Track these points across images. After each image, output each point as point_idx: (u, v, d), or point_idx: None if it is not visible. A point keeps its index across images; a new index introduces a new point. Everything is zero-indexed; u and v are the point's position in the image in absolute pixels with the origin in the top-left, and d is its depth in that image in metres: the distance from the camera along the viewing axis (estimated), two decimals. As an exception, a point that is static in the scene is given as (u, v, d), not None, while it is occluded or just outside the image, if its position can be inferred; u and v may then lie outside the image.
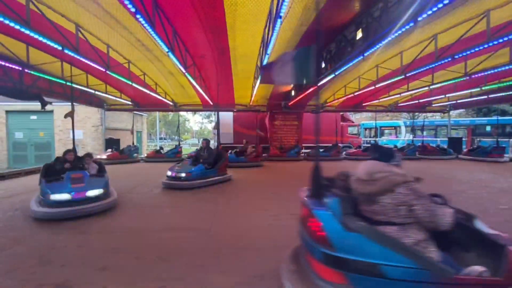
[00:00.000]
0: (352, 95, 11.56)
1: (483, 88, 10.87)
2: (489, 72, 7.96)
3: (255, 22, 5.78)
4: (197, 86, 9.27)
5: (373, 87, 10.14)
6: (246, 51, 7.46)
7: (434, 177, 7.88)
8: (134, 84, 8.95)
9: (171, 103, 13.34)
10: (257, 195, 5.76)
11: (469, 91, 11.65)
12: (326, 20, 5.88)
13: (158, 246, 3.02)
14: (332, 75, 7.87)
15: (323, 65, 8.14)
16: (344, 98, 12.39)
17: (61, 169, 4.69)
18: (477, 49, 5.90)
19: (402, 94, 11.89)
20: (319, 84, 9.01)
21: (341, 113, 17.46)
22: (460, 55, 6.43)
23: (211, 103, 13.02)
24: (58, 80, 8.62)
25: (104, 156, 11.79)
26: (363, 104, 14.94)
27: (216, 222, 3.88)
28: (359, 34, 5.88)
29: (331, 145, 14.14)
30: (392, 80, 9.00)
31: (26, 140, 14.23)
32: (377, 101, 13.82)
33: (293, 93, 12.25)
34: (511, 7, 4.98)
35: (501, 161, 11.59)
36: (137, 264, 2.61)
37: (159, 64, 8.59)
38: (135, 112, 16.49)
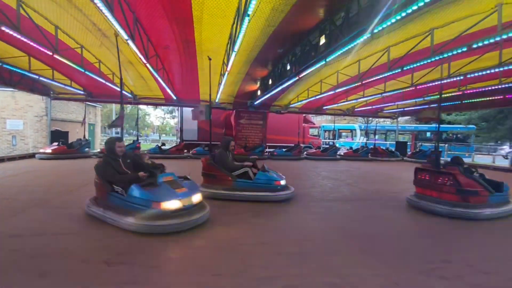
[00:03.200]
0: (314, 98, 12.10)
1: (426, 98, 12.26)
2: (431, 84, 8.99)
3: (223, 17, 5.70)
4: (160, 79, 8.83)
5: (333, 92, 10.74)
6: (213, 46, 7.32)
7: (384, 177, 8.64)
8: (87, 72, 8.18)
9: (129, 95, 12.50)
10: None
11: (415, 100, 13.05)
12: (293, 24, 6.05)
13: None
14: (296, 78, 8.12)
15: (288, 67, 8.37)
16: (307, 100, 12.90)
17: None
18: (422, 62, 6.62)
19: (358, 100, 12.83)
20: (284, 86, 9.30)
21: (304, 115, 18.17)
22: (408, 67, 7.14)
23: (174, 98, 12.52)
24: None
25: (48, 150, 10.57)
26: (324, 108, 15.75)
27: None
28: (323, 40, 6.16)
29: (293, 145, 14.64)
30: (350, 86, 9.64)
31: None
32: (336, 105, 14.68)
33: (259, 92, 12.38)
34: (452, 27, 5.67)
35: (437, 164, 13.19)
36: (84, 268, 2.39)
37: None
38: (87, 102, 15.08)
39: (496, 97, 11.24)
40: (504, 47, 6.42)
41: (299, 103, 13.88)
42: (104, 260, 2.50)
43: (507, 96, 10.70)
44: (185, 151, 13.56)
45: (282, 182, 4.92)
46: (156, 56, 8.02)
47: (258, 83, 11.80)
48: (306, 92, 12.34)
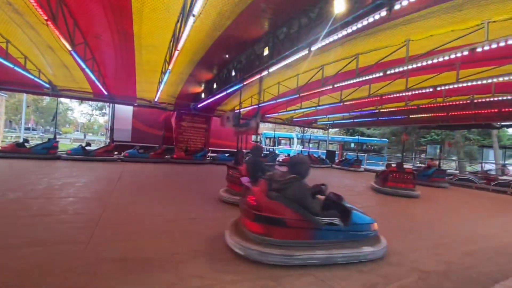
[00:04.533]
0: (257, 106, 12.49)
1: (351, 113, 13.99)
2: (355, 102, 10.31)
3: (166, 13, 5.42)
4: (88, 70, 7.81)
5: (274, 101, 11.30)
6: (154, 42, 6.88)
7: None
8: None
9: (47, 85, 10.66)
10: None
11: (342, 114, 14.75)
12: (238, 32, 6.17)
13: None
14: (240, 85, 8.27)
15: (233, 73, 8.46)
16: (251, 107, 13.23)
17: None
18: (349, 82, 7.55)
19: (296, 111, 13.81)
20: (228, 91, 9.35)
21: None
22: (338, 85, 8.05)
23: (105, 93, 11.22)
24: None
25: None
26: (266, 116, 16.40)
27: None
28: (266, 51, 6.45)
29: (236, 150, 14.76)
30: (289, 97, 10.32)
31: None
32: (277, 114, 15.48)
33: (203, 95, 12.12)
34: (373, 55, 6.65)
35: (359, 171, 15.11)
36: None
37: (32, 33, 6.74)
38: (-14, 89, 12.23)
39: (402, 117, 13.60)
40: (409, 75, 7.85)
41: (243, 109, 14.11)
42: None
43: (410, 116, 13.02)
44: (116, 153, 12.23)
45: None
46: (85, 44, 7.10)
47: (203, 85, 11.57)
48: (250, 99, 12.66)
